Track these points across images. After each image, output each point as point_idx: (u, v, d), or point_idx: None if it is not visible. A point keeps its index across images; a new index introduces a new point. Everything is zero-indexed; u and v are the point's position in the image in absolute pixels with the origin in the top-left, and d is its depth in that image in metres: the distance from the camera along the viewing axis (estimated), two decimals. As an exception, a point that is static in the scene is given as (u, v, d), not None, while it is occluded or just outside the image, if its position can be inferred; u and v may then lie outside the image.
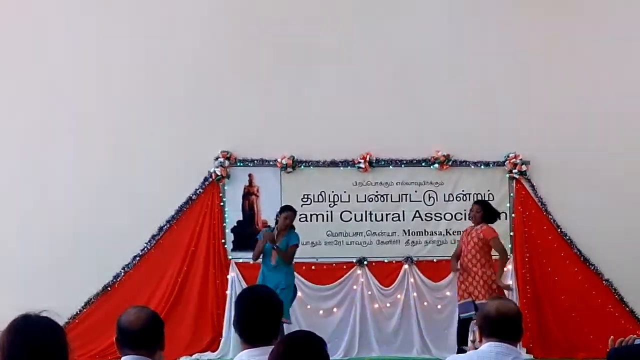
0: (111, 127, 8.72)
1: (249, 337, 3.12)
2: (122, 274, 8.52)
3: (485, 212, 7.96)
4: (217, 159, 8.73)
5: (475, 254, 7.79)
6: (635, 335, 3.56)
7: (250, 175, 8.88)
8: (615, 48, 9.11)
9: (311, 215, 8.81)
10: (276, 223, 7.95)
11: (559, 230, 8.90)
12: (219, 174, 8.71)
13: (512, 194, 8.98)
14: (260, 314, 3.13)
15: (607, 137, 8.96)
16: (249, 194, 8.89)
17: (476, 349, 3.42)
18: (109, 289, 8.49)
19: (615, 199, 8.86)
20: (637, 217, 8.84)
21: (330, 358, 6.87)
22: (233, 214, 8.80)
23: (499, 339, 3.31)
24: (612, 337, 3.58)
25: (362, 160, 8.87)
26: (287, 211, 7.86)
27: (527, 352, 8.51)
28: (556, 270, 8.84)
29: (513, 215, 8.93)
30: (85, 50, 8.77)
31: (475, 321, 3.44)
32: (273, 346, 2.70)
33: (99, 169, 8.63)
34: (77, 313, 8.38)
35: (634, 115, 9.03)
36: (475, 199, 8.55)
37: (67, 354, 2.47)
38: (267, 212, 8.80)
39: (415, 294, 8.75)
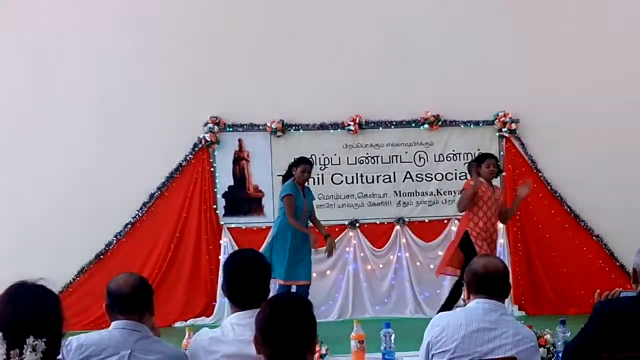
0: (100, 94, 8.61)
1: (238, 301, 3.14)
2: (115, 241, 8.50)
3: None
4: (206, 124, 8.69)
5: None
6: (620, 288, 3.61)
7: (240, 140, 8.85)
8: (606, 4, 9.07)
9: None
10: (285, 178, 7.58)
11: (549, 187, 8.94)
12: (208, 139, 8.67)
13: (502, 153, 8.99)
14: (249, 277, 3.14)
15: (596, 94, 8.94)
16: (240, 159, 8.86)
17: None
18: (102, 257, 8.47)
19: (604, 155, 8.87)
20: (626, 173, 8.88)
21: (325, 320, 6.92)
22: (224, 180, 8.77)
23: (486, 295, 3.34)
24: (598, 290, 3.62)
25: (352, 123, 8.85)
26: (305, 164, 7.49)
27: (519, 309, 8.62)
28: (547, 227, 8.90)
29: (503, 173, 8.94)
30: (72, 15, 8.63)
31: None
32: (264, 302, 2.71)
33: (89, 137, 8.54)
34: (70, 282, 8.36)
35: (623, 72, 9.01)
36: (468, 159, 8.60)
37: (61, 323, 2.48)
38: (258, 177, 8.81)
39: (407, 254, 8.81)
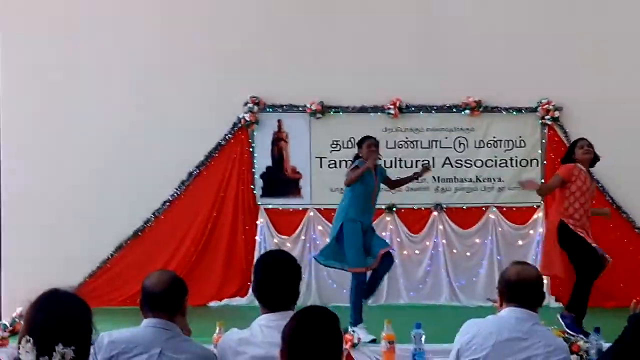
0: (140, 72, 8.65)
1: (268, 303, 3.14)
2: (152, 219, 8.59)
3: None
4: (246, 104, 8.70)
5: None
6: None
7: (279, 121, 8.84)
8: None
9: (340, 161, 8.72)
10: (355, 159, 6.81)
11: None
12: (248, 119, 8.68)
13: (544, 141, 8.85)
14: (279, 279, 3.14)
15: (641, 83, 8.73)
16: (278, 140, 8.87)
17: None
18: (140, 234, 8.58)
19: (649, 145, 8.68)
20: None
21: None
22: (262, 160, 8.79)
23: (518, 304, 3.30)
24: (634, 300, 3.55)
25: (392, 106, 8.78)
26: (370, 139, 6.82)
27: (556, 300, 8.52)
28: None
29: (545, 162, 8.81)
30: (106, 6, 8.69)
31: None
32: (292, 311, 2.71)
33: (129, 114, 8.59)
34: (108, 258, 8.51)
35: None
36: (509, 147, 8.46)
37: (90, 332, 2.51)
38: (296, 158, 8.80)
39: (444, 241, 8.75)
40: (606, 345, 3.73)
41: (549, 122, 8.81)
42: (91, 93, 8.64)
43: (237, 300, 8.45)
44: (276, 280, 3.13)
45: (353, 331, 6.09)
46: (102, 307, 7.96)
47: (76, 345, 2.34)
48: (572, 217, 6.57)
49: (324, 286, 8.58)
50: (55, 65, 8.56)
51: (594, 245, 6.51)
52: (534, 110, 8.84)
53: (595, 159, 6.87)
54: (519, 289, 3.30)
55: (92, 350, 2.96)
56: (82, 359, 2.36)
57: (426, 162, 7.90)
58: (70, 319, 2.40)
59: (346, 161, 8.65)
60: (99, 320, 2.57)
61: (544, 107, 8.77)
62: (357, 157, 6.86)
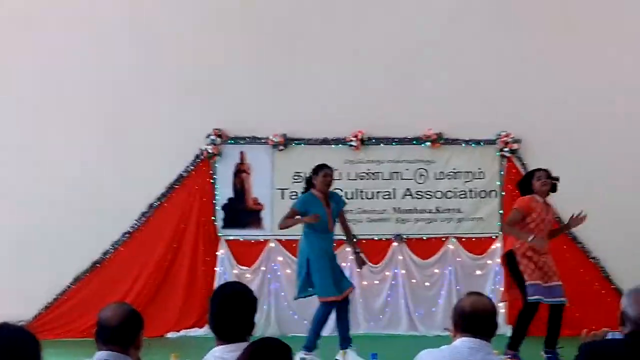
0: (102, 103, 8.67)
1: (223, 334, 3.16)
2: (112, 250, 8.54)
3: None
4: (208, 136, 8.72)
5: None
6: (607, 329, 3.60)
7: (241, 153, 8.88)
8: (611, 28, 9.06)
9: (302, 193, 8.76)
10: (308, 187, 7.14)
11: (548, 207, 8.90)
12: (210, 151, 8.70)
13: (502, 172, 8.99)
14: (234, 311, 3.16)
15: (598, 118, 8.94)
16: (240, 172, 8.89)
17: None
18: (98, 265, 8.51)
19: (604, 178, 8.85)
20: (626, 197, 8.86)
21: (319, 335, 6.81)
22: (224, 191, 8.80)
23: (472, 334, 3.34)
24: (585, 330, 3.62)
25: (354, 139, 8.87)
26: (326, 169, 7.05)
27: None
28: (545, 247, 8.87)
29: (503, 193, 8.94)
30: (80, 24, 8.68)
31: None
32: (247, 343, 2.72)
33: (90, 146, 8.61)
34: (65, 289, 8.42)
35: (626, 96, 9.01)
36: (469, 178, 8.64)
37: None
38: (258, 190, 8.84)
39: (404, 271, 8.81)
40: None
41: (508, 155, 8.97)
42: (50, 124, 8.61)
43: (195, 331, 8.40)
44: (231, 311, 3.15)
45: (303, 358, 6.19)
46: (59, 339, 7.90)
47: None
48: (529, 249, 6.79)
49: (284, 316, 8.58)
50: (21, 97, 8.56)
51: (533, 282, 6.74)
52: (493, 142, 8.99)
53: (554, 186, 7.04)
54: (473, 319, 3.33)
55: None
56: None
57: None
58: (19, 353, 2.39)
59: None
60: (56, 352, 2.57)
61: (503, 139, 8.93)
62: (309, 183, 7.10)
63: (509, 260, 6.94)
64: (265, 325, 8.32)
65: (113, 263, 8.53)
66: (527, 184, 7.08)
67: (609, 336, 3.55)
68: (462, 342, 3.34)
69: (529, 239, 6.73)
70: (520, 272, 6.81)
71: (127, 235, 8.57)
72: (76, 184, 8.51)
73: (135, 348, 3.16)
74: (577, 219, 7.13)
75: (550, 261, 6.98)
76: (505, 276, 7.38)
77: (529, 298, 6.78)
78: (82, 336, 7.92)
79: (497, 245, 8.73)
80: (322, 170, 7.04)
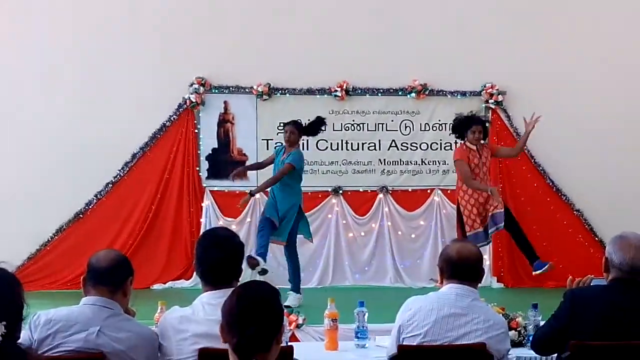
0: (83, 52, 8.48)
1: (210, 280, 3.12)
2: (95, 201, 8.43)
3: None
4: (191, 85, 8.59)
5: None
6: (592, 276, 3.63)
7: (225, 102, 8.77)
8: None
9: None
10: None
11: (532, 160, 8.94)
12: (193, 100, 8.58)
13: (488, 124, 8.94)
14: (220, 256, 3.12)
15: (583, 70, 8.92)
16: (224, 121, 8.79)
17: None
18: (81, 216, 8.41)
19: (588, 131, 8.88)
20: (608, 150, 8.91)
21: (305, 286, 6.94)
22: (208, 142, 8.71)
23: (459, 281, 3.35)
24: (570, 277, 3.64)
25: (339, 89, 8.78)
26: (288, 125, 7.29)
27: (497, 281, 8.69)
28: (529, 200, 8.91)
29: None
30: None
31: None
32: (234, 288, 2.69)
33: (72, 96, 8.42)
34: (48, 240, 8.33)
35: (611, 47, 8.96)
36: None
37: (22, 307, 2.44)
38: (243, 140, 8.75)
39: (389, 223, 8.82)
40: (543, 322, 3.82)
41: (493, 106, 8.94)
42: (32, 74, 8.42)
43: (181, 283, 8.38)
44: (218, 256, 3.11)
45: (298, 312, 6.16)
46: (42, 290, 7.86)
47: (7, 320, 2.28)
48: (471, 197, 7.31)
49: (271, 268, 8.54)
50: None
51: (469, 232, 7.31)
52: (478, 94, 8.95)
53: (486, 131, 7.63)
54: (459, 266, 3.35)
55: (27, 329, 2.92)
56: (13, 334, 2.31)
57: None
58: (1, 294, 2.35)
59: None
60: (40, 304, 2.52)
61: (488, 90, 8.90)
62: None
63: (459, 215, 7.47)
64: (252, 277, 8.31)
65: (96, 214, 8.42)
66: (462, 131, 7.48)
67: (594, 283, 3.57)
68: (450, 289, 3.35)
69: (489, 190, 7.12)
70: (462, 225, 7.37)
71: (110, 185, 8.46)
72: (58, 135, 8.34)
73: (124, 294, 3.13)
74: (532, 122, 7.53)
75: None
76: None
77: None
78: (66, 287, 7.89)
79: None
80: (285, 126, 7.34)
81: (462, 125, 7.52)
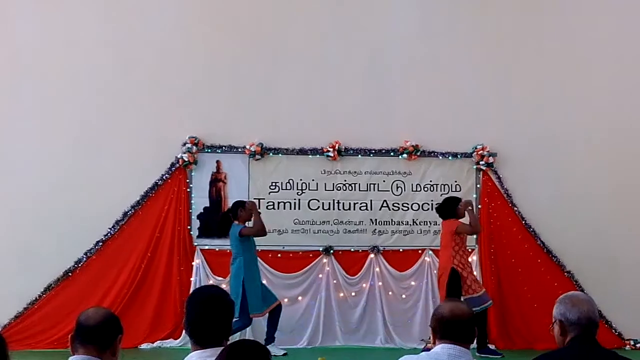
0: (77, 110, 8.56)
1: (199, 338, 3.09)
2: (85, 259, 8.37)
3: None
4: (184, 144, 8.64)
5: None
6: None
7: (218, 162, 8.81)
8: (582, 43, 9.21)
9: (278, 202, 8.78)
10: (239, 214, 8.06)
11: (523, 222, 8.98)
12: (186, 159, 8.62)
13: (478, 186, 9.04)
14: (210, 314, 3.09)
15: (573, 131, 9.09)
16: (217, 181, 8.82)
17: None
18: (70, 274, 8.34)
19: (579, 192, 9.00)
20: (599, 211, 8.99)
21: (294, 346, 6.93)
22: (200, 200, 8.72)
23: (451, 341, 3.32)
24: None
25: (331, 149, 8.85)
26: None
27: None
28: (520, 261, 8.94)
29: (479, 206, 8.98)
30: (51, 33, 8.59)
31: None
32: (223, 347, 2.67)
33: (65, 153, 8.47)
34: (37, 298, 8.23)
35: (600, 111, 9.14)
36: (445, 190, 8.90)
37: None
38: (234, 199, 8.68)
39: (380, 283, 8.79)
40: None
41: (484, 168, 9.02)
42: (27, 130, 8.47)
43: (170, 342, 8.27)
44: (208, 315, 3.08)
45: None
46: (30, 349, 7.75)
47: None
48: (460, 262, 7.92)
49: (259, 327, 8.48)
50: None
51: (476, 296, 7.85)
52: (469, 155, 9.04)
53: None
54: (452, 325, 3.32)
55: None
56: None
57: None
58: None
59: (284, 202, 8.73)
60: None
61: (479, 152, 8.98)
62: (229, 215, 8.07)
63: (453, 276, 7.83)
64: (240, 335, 8.21)
65: (86, 272, 8.36)
66: (453, 209, 8.08)
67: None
68: (442, 349, 3.32)
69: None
70: (460, 287, 7.79)
71: (100, 243, 8.41)
72: (49, 192, 8.35)
73: (112, 354, 3.08)
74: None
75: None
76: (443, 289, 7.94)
77: (482, 306, 7.86)
78: (52, 347, 7.78)
79: (474, 258, 8.74)
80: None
81: (453, 204, 8.10)
